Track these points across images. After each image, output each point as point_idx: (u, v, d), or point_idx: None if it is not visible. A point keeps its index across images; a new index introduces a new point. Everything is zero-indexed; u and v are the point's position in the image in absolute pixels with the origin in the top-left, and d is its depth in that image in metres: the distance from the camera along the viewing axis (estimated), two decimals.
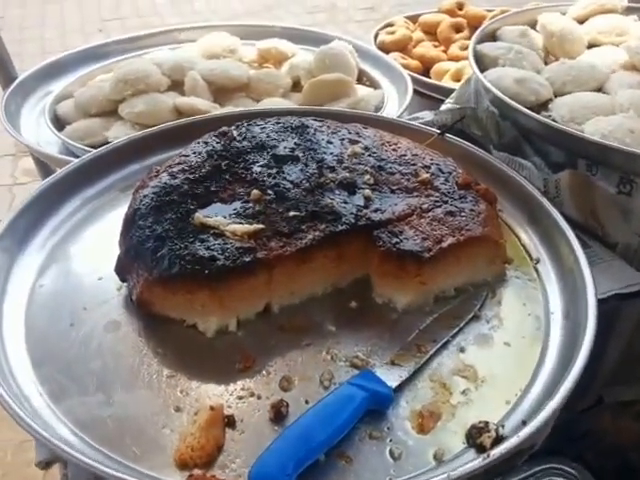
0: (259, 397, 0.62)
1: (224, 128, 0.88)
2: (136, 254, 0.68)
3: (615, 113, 0.86)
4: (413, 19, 1.69)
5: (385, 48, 1.51)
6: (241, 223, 0.70)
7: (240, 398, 0.62)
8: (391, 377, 0.63)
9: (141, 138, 0.94)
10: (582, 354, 0.61)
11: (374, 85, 1.31)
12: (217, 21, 1.53)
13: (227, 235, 0.68)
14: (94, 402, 0.61)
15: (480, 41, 1.06)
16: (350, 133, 0.87)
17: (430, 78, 1.44)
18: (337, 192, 0.76)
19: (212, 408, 0.58)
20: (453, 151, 0.90)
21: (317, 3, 4.54)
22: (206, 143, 0.84)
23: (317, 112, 0.96)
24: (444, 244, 0.70)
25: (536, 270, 0.78)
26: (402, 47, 1.53)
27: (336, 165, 0.80)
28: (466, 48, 1.50)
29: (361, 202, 0.75)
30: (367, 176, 0.78)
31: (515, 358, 0.67)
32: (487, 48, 1.03)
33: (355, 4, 4.53)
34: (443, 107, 1.14)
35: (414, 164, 0.81)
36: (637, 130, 0.80)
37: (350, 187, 0.77)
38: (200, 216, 0.70)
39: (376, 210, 0.73)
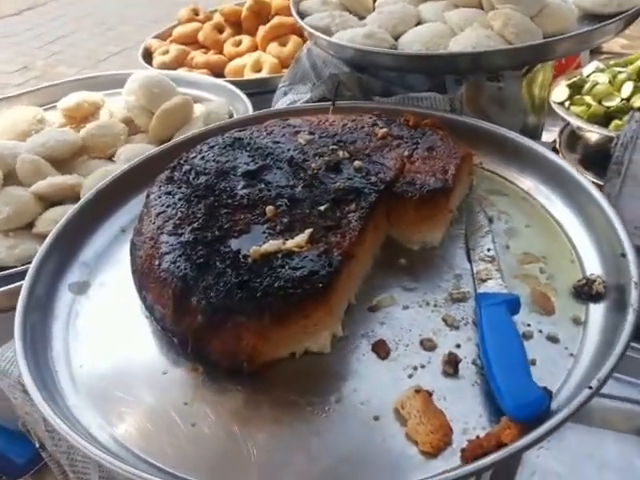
0: (422, 366, 0.62)
1: (165, 174, 0.80)
2: (228, 311, 0.60)
3: (456, 33, 1.00)
4: (162, 37, 1.65)
5: (167, 67, 1.46)
6: (287, 239, 0.67)
7: (410, 376, 0.61)
8: (496, 289, 0.68)
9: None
10: (595, 196, 0.74)
11: (197, 101, 1.27)
12: None
13: (295, 251, 0.65)
14: (297, 466, 0.54)
15: (303, 18, 1.11)
16: (284, 128, 0.86)
17: None
18: (331, 176, 0.76)
19: (417, 390, 0.57)
20: (353, 113, 0.95)
21: None
22: (169, 193, 0.76)
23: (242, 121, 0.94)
24: (452, 171, 0.76)
25: (487, 169, 0.89)
26: (182, 62, 1.50)
27: (305, 157, 0.79)
28: (238, 44, 1.54)
29: (359, 174, 0.76)
30: (340, 152, 0.79)
31: (542, 231, 0.78)
32: (314, 20, 1.09)
33: (5, 69, 4.13)
34: (283, 89, 1.18)
35: (362, 127, 0.85)
36: (491, 35, 0.95)
37: (336, 167, 0.77)
38: (257, 249, 0.64)
39: (377, 173, 0.76)
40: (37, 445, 0.81)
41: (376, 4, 1.19)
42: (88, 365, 0.67)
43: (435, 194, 0.73)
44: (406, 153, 0.79)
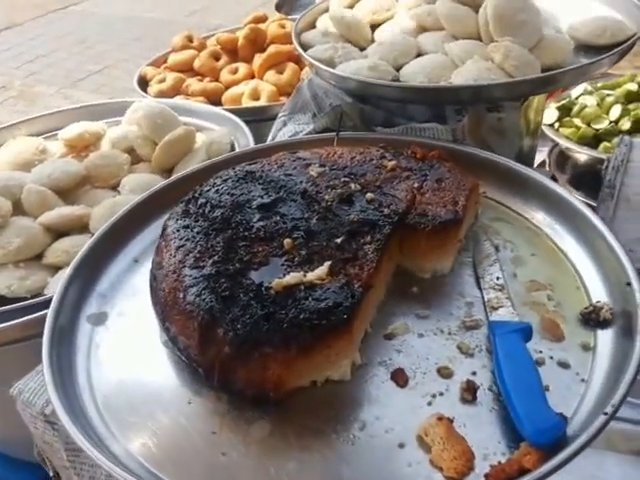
0: (441, 394, 0.66)
1: (180, 208, 0.84)
2: (255, 343, 0.64)
3: (457, 65, 1.06)
4: (156, 64, 1.70)
5: (165, 95, 1.50)
6: (306, 271, 0.71)
7: (429, 404, 0.65)
8: (508, 317, 0.73)
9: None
10: (599, 227, 0.80)
11: (197, 130, 1.32)
12: None
13: (317, 283, 0.69)
14: None
15: (304, 49, 1.17)
16: (294, 161, 0.91)
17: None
18: (344, 208, 0.81)
19: (440, 418, 0.61)
20: (357, 143, 1.00)
21: None
22: (187, 227, 0.80)
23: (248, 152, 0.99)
24: (462, 202, 0.81)
25: (490, 198, 0.95)
26: (178, 89, 1.55)
27: (317, 189, 0.84)
28: (235, 72, 1.59)
29: (372, 205, 0.81)
30: (352, 185, 0.84)
31: (547, 259, 0.83)
32: (317, 52, 1.14)
33: None
34: (282, 119, 1.24)
35: (371, 160, 0.90)
36: (491, 67, 1.01)
37: (349, 199, 0.82)
38: (280, 281, 0.69)
39: (389, 205, 0.81)
40: (51, 474, 0.85)
41: (375, 35, 1.25)
42: (113, 396, 0.70)
43: (447, 225, 0.78)
44: (416, 185, 0.85)
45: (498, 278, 0.79)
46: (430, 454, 0.60)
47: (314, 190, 0.84)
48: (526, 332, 0.70)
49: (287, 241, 0.75)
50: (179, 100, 1.43)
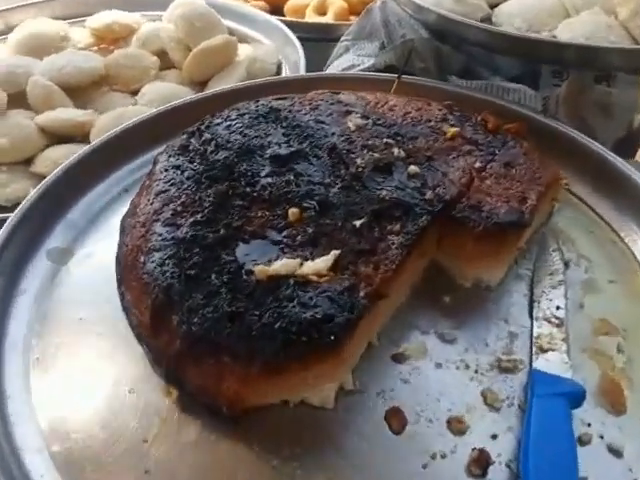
0: (443, 455, 0.51)
1: (180, 141, 0.69)
2: (212, 346, 0.50)
3: (570, 15, 0.84)
4: None
5: None
6: (306, 257, 0.56)
7: (424, 467, 0.50)
8: (557, 368, 0.56)
9: None
10: None
11: (243, 40, 1.14)
12: None
13: (312, 280, 0.53)
14: None
15: None
16: (332, 104, 0.73)
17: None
18: (378, 179, 0.64)
19: None
20: (421, 94, 0.82)
21: None
22: (177, 167, 0.65)
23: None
24: (531, 201, 0.62)
25: (573, 193, 0.75)
26: None
27: (351, 147, 0.67)
28: None
29: (413, 182, 0.63)
30: (395, 150, 0.67)
31: (629, 292, 0.64)
32: None
33: None
34: (345, 43, 1.05)
35: (428, 120, 0.71)
36: (612, 25, 0.79)
37: (387, 168, 0.65)
38: (265, 268, 0.53)
39: (435, 187, 0.63)
40: None
41: None
42: (46, 360, 0.58)
43: (505, 228, 0.60)
44: (477, 164, 0.66)
45: (558, 308, 0.61)
46: None
47: (345, 148, 0.67)
48: (577, 398, 0.53)
49: (293, 210, 0.59)
50: (232, 1, 1.24)
